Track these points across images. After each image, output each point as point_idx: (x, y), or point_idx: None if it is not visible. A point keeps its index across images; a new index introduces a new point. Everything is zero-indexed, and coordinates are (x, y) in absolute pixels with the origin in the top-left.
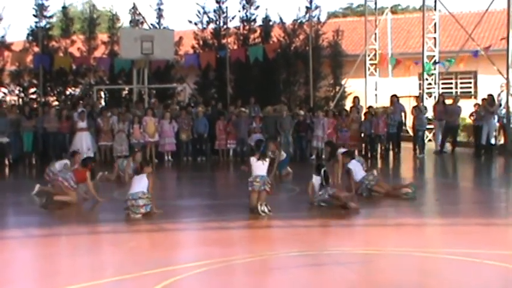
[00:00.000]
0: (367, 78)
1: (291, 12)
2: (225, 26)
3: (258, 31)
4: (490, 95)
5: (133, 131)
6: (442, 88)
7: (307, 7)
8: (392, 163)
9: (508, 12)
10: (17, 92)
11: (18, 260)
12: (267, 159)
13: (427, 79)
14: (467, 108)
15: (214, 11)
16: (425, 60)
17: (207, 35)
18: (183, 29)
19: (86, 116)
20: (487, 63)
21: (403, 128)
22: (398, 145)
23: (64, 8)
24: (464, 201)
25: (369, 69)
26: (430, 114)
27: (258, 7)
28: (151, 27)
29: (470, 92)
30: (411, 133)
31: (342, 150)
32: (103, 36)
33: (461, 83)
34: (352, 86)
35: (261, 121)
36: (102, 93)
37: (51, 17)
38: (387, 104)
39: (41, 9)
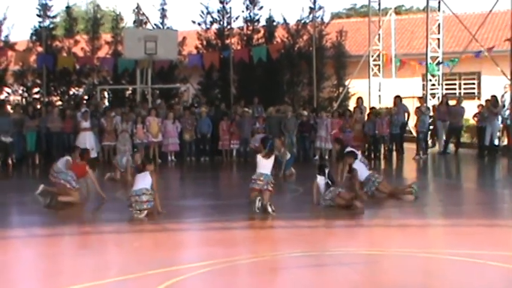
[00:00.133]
0: (371, 79)
1: (294, 12)
2: (228, 27)
3: (262, 31)
4: (494, 96)
5: (137, 131)
6: (446, 89)
7: (310, 8)
8: (395, 164)
9: None
10: (20, 91)
11: (21, 259)
12: (272, 157)
13: (430, 80)
14: (470, 109)
15: (218, 11)
16: (429, 61)
17: (211, 35)
18: (186, 29)
19: (90, 115)
20: (491, 64)
21: (406, 128)
22: (401, 146)
23: (68, 7)
24: (467, 202)
25: (372, 70)
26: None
27: (261, 7)
28: (155, 27)
29: (474, 93)
30: (414, 134)
31: (348, 148)
32: (107, 36)
33: (464, 84)
34: (356, 86)
35: (264, 121)
36: (106, 93)
37: (54, 16)
38: (391, 104)
39: (44, 9)
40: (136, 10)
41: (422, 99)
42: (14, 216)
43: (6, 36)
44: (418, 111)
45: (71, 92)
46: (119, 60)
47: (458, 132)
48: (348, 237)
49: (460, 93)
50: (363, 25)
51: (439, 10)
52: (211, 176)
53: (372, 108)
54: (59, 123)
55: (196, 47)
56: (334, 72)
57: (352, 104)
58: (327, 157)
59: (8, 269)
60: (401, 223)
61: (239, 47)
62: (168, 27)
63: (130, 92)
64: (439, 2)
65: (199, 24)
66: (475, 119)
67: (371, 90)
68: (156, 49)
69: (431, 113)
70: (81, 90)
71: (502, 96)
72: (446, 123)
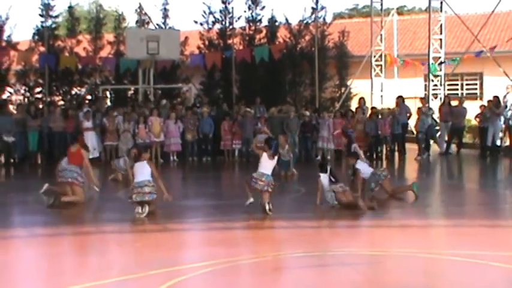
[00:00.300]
0: (373, 79)
1: (296, 12)
2: (230, 27)
3: (264, 31)
4: (496, 97)
5: (139, 130)
6: (448, 89)
7: (313, 8)
8: (397, 164)
9: None
10: (22, 91)
11: (23, 259)
12: (276, 158)
13: (432, 80)
14: (473, 110)
15: (220, 11)
16: (431, 61)
17: (213, 35)
18: (188, 29)
19: (92, 115)
20: (493, 64)
21: (408, 129)
22: (403, 146)
23: (70, 7)
24: (469, 203)
25: (374, 70)
26: (436, 115)
27: (263, 7)
28: (157, 27)
29: (476, 93)
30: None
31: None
32: (109, 36)
33: (467, 84)
34: (358, 87)
35: (266, 122)
36: (108, 93)
37: (57, 16)
38: (393, 105)
39: (47, 8)
40: (138, 10)
41: (424, 99)
42: (16, 216)
43: (9, 36)
44: (419, 111)
45: (73, 92)
46: (121, 60)
47: (460, 132)
48: (350, 237)
49: (462, 93)
50: (365, 25)
51: (441, 10)
52: (213, 176)
53: (372, 108)
54: (61, 123)
55: (199, 47)
56: (336, 73)
57: (354, 104)
58: (329, 157)
59: (9, 269)
60: (403, 224)
61: (241, 47)
62: (170, 27)
63: (132, 92)
64: (441, 3)
65: (201, 24)
66: (477, 119)
67: (373, 91)
68: (158, 49)
69: (437, 114)
70: (83, 90)
71: (504, 96)
72: (448, 123)
